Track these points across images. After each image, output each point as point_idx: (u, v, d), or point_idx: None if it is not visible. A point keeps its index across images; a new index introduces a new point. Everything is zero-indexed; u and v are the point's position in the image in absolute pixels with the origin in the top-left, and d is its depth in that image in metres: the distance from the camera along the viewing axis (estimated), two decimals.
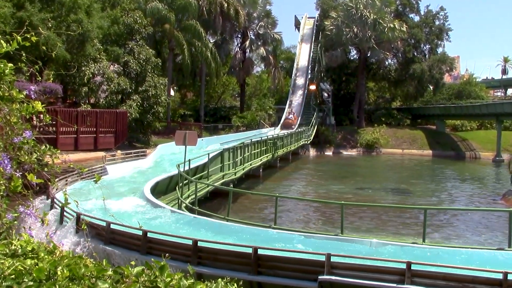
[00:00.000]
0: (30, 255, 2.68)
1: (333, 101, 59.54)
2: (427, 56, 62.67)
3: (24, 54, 3.50)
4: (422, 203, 22.32)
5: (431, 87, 64.90)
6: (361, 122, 58.41)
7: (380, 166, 44.76)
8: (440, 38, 62.53)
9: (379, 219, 19.57)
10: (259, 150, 29.51)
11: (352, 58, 65.35)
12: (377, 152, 53.09)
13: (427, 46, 63.02)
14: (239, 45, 61.14)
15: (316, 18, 61.36)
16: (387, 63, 61.83)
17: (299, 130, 45.90)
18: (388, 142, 54.13)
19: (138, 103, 38.48)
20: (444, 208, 22.22)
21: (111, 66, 41.27)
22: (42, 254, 2.70)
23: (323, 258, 8.60)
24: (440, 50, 63.04)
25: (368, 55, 59.50)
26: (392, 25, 54.42)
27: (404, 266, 8.24)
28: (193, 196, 16.77)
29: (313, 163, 45.06)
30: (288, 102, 54.63)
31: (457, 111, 55.77)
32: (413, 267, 8.23)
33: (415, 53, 61.74)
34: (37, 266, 2.42)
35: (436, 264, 8.60)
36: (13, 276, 2.31)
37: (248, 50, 60.15)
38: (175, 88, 64.24)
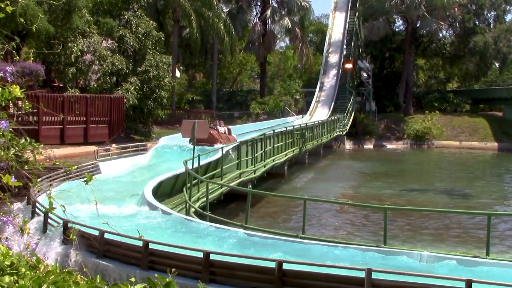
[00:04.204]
0: (8, 271, 2.71)
1: (374, 82, 59.18)
2: (491, 25, 61.85)
3: None
4: (485, 208, 22.08)
5: (496, 64, 64.14)
6: (408, 108, 57.96)
7: (432, 162, 44.38)
8: (509, 2, 61.62)
9: (432, 227, 19.42)
10: (283, 143, 29.44)
11: (397, 29, 64.88)
12: (428, 145, 52.68)
13: (492, 13, 62.23)
14: (259, 15, 61.07)
15: None
16: (441, 35, 61.19)
17: (333, 118, 45.71)
18: (442, 133, 53.65)
19: (137, 87, 38.71)
20: None
21: (104, 41, 41.50)
22: (23, 270, 2.72)
23: (362, 275, 8.56)
24: (508, 17, 62.35)
25: (417, 25, 58.92)
26: None
27: (463, 285, 8.16)
28: (204, 199, 16.81)
29: (349, 158, 44.85)
30: (318, 84, 54.43)
31: None
32: (475, 286, 8.14)
33: (477, 22, 61.00)
34: (17, 284, 2.44)
35: (503, 283, 8.50)
36: None
37: (269, 21, 60.00)
38: (181, 68, 64.44)
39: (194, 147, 18.23)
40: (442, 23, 57.32)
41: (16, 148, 3.45)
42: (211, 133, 24.86)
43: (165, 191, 18.10)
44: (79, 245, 10.52)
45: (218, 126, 29.75)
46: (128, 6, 41.71)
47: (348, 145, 50.89)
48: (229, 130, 31.29)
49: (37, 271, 2.73)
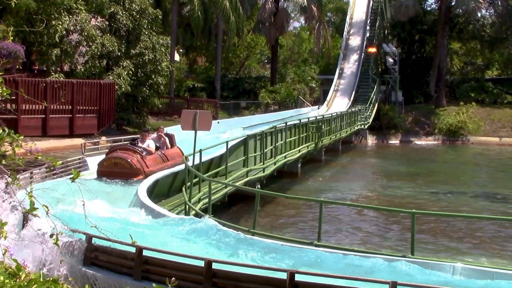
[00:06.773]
0: None
1: (400, 69, 58.98)
2: None
3: None
4: None
5: None
6: (440, 99, 57.71)
7: (467, 161, 44.22)
8: None
9: (466, 235, 19.36)
10: (297, 137, 29.44)
11: (429, 8, 64.57)
12: (463, 141, 52.45)
13: None
14: None
15: None
16: (479, 14, 60.85)
17: (353, 110, 45.61)
18: (479, 127, 53.36)
19: (130, 72, 38.72)
20: None
21: (93, 19, 41.54)
22: (2, 278, 2.73)
23: None
24: None
25: (452, 3, 58.65)
26: None
27: None
28: (206, 200, 16.82)
29: (372, 155, 44.77)
30: (337, 70, 54.35)
31: None
32: None
33: None
34: None
35: None
36: None
37: None
38: (181, 51, 64.49)
39: (195, 141, 18.24)
40: (481, 0, 56.92)
41: None
42: (129, 162, 18.64)
43: (162, 190, 18.11)
44: (63, 251, 10.54)
45: (148, 141, 20.30)
46: None
47: (371, 140, 50.77)
48: (170, 138, 21.76)
49: (18, 280, 2.74)
